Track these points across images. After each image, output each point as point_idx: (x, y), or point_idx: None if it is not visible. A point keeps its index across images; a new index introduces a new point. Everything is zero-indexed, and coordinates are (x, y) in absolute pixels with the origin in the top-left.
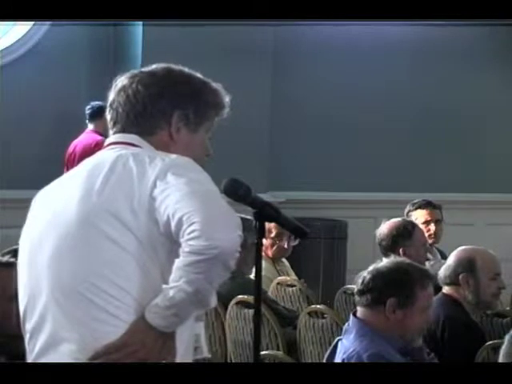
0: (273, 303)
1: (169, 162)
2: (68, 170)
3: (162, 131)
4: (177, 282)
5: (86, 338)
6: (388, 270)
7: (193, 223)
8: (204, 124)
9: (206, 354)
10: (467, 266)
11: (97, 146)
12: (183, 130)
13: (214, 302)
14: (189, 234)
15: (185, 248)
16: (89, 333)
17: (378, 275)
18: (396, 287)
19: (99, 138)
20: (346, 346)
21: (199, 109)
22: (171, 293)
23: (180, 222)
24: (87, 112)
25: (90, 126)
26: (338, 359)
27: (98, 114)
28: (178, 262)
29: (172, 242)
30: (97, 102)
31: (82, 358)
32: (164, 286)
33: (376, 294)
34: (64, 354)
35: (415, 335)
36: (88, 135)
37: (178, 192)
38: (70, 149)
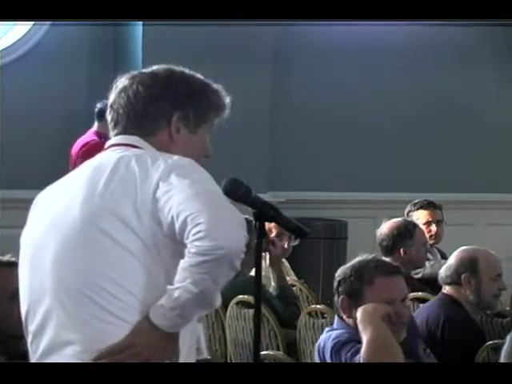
0: (273, 300)
1: (171, 163)
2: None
3: (162, 131)
4: (182, 282)
5: (90, 339)
6: (340, 270)
7: (198, 224)
8: (204, 125)
9: (205, 355)
10: (469, 265)
11: (84, 147)
12: (183, 130)
13: (218, 302)
14: (194, 234)
15: (190, 249)
16: (93, 333)
17: (335, 278)
18: (344, 286)
19: (91, 139)
20: (321, 338)
21: (199, 110)
22: (176, 293)
23: (184, 223)
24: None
25: (94, 126)
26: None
27: (99, 115)
28: (183, 263)
29: (175, 243)
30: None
31: (87, 359)
32: (169, 286)
33: (336, 295)
34: (68, 355)
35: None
36: (86, 135)
37: (181, 193)
38: (72, 148)
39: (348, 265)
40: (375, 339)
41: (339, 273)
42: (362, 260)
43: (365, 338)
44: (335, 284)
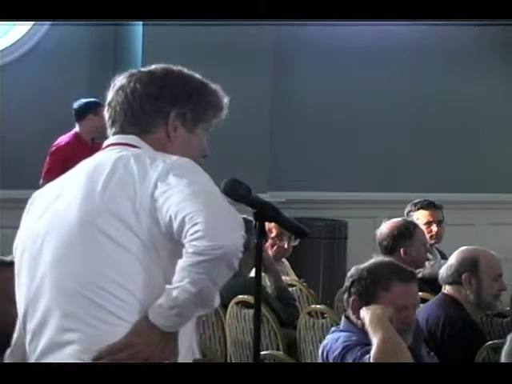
0: (273, 301)
1: (170, 163)
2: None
3: (158, 130)
4: (180, 282)
5: (88, 339)
6: (355, 270)
7: (196, 224)
8: (201, 124)
9: (197, 355)
10: (470, 265)
11: (53, 147)
12: (180, 129)
13: (217, 302)
14: (192, 234)
15: (188, 249)
16: (92, 333)
17: (348, 277)
18: (358, 287)
19: (61, 140)
20: (328, 338)
21: (197, 109)
22: (175, 293)
23: (182, 223)
24: None
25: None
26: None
27: (76, 116)
28: (181, 263)
29: (173, 243)
30: (79, 101)
31: (86, 359)
32: (167, 286)
33: (347, 295)
34: (67, 355)
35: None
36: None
37: (179, 193)
38: None
39: (364, 266)
40: (386, 341)
41: (353, 272)
42: (378, 263)
43: (375, 339)
44: (347, 283)
